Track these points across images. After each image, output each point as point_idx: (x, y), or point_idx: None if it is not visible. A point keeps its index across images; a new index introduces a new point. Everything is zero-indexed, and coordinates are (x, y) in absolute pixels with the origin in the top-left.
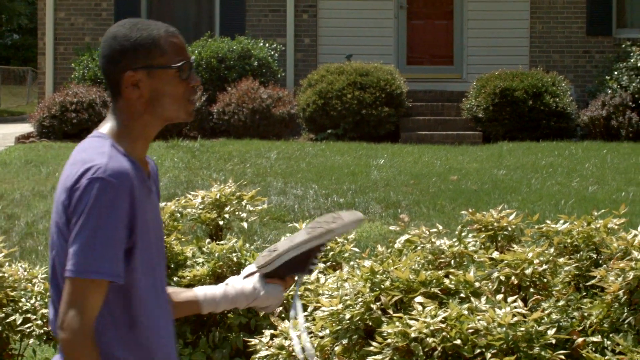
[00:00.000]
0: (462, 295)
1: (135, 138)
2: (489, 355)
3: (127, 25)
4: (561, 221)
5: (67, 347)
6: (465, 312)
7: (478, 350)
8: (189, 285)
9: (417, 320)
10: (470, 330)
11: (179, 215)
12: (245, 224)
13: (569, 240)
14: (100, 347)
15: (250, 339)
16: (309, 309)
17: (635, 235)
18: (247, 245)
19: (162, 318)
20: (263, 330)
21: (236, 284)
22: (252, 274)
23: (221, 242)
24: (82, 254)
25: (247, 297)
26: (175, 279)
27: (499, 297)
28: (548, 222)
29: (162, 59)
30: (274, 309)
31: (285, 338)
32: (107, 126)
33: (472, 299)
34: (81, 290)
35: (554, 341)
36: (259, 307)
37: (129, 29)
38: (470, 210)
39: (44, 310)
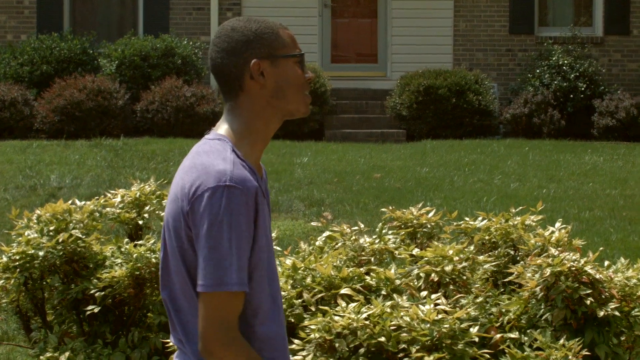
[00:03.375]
0: (384, 292)
1: (255, 139)
2: (413, 350)
3: (242, 19)
4: (480, 218)
5: (228, 358)
6: (389, 310)
7: (402, 346)
8: (109, 287)
9: (341, 316)
10: (393, 327)
11: (98, 214)
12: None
13: (487, 237)
14: None
15: (169, 340)
16: None
17: (553, 232)
18: None
19: (276, 328)
20: None
21: None
22: None
23: (139, 242)
24: (218, 266)
25: None
26: (94, 280)
27: (423, 294)
28: (467, 219)
29: (284, 48)
30: None
31: None
32: (225, 127)
33: (393, 295)
34: (220, 303)
35: (476, 339)
36: None
37: (246, 22)
38: (390, 208)
39: None
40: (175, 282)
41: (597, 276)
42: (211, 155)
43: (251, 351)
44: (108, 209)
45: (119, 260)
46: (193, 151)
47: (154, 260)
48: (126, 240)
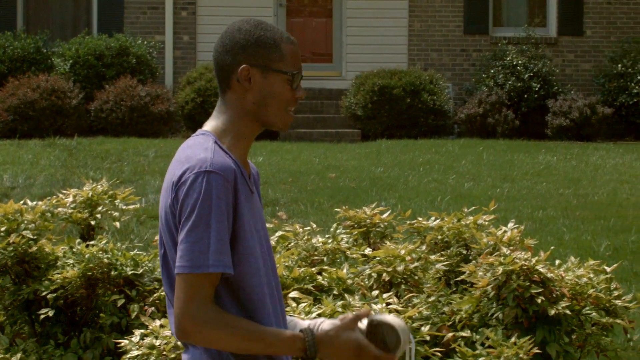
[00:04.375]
0: (335, 292)
1: (238, 137)
2: None
3: (252, 22)
4: (432, 218)
5: (206, 333)
6: (340, 309)
7: None
8: (61, 288)
9: (290, 316)
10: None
11: (49, 215)
12: (117, 224)
13: (440, 237)
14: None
15: (121, 340)
16: None
17: (505, 232)
18: (119, 244)
19: (273, 319)
20: (134, 330)
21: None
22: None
23: (91, 242)
24: (196, 248)
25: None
26: (45, 281)
27: (375, 293)
28: (420, 218)
29: (280, 63)
30: None
31: (156, 337)
32: (211, 124)
33: (345, 295)
34: (198, 284)
35: (428, 337)
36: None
37: (253, 26)
38: (344, 208)
39: None
40: (174, 275)
41: (548, 275)
42: (194, 147)
43: (235, 322)
44: (60, 209)
45: (70, 261)
46: (180, 148)
47: (105, 260)
48: (78, 240)
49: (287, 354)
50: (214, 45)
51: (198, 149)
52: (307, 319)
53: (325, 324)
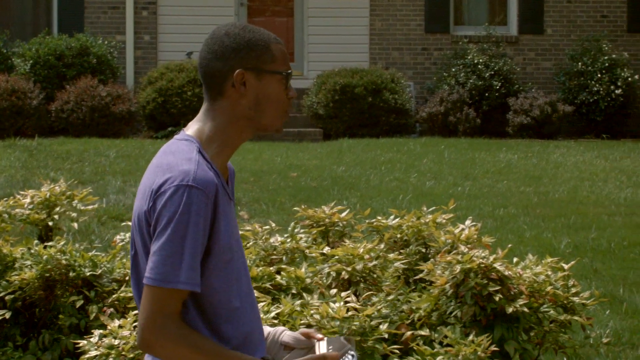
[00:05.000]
0: (294, 291)
1: (224, 145)
2: None
3: (239, 26)
4: (392, 216)
5: (168, 349)
6: (298, 309)
7: None
8: (19, 290)
9: None
10: (304, 326)
11: (7, 216)
12: (75, 225)
13: (399, 235)
14: None
15: (79, 341)
16: None
17: (463, 230)
18: (78, 245)
19: (247, 328)
20: (92, 331)
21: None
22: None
23: (49, 243)
24: (168, 263)
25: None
26: (3, 282)
27: (333, 292)
28: (379, 217)
29: (272, 64)
30: None
31: (115, 337)
32: (196, 128)
33: (304, 294)
34: (164, 298)
35: (386, 335)
36: None
37: (241, 30)
38: (303, 207)
39: None
40: (143, 279)
41: (506, 273)
42: (177, 155)
43: (199, 341)
44: (17, 210)
45: (28, 262)
46: (161, 150)
47: (64, 261)
48: (36, 241)
49: None
50: (200, 53)
51: (181, 158)
52: (267, 321)
53: (286, 335)
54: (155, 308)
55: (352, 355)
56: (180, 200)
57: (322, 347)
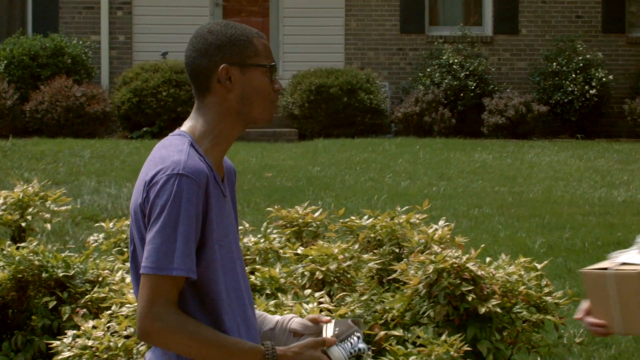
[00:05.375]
0: (268, 291)
1: (217, 140)
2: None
3: (220, 23)
4: (366, 216)
5: (165, 336)
6: (272, 309)
7: None
8: None
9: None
10: None
11: None
12: (49, 225)
13: (372, 235)
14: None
15: (53, 342)
16: (113, 308)
17: (436, 230)
18: (50, 246)
19: (239, 320)
20: (66, 331)
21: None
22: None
23: (22, 244)
24: (162, 250)
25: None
26: None
27: (307, 292)
28: (352, 217)
29: (255, 58)
30: None
31: (89, 338)
32: (189, 125)
33: (278, 294)
34: (162, 285)
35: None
36: None
37: (224, 26)
38: (276, 207)
39: None
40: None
41: (479, 272)
42: (169, 148)
43: (197, 328)
44: None
45: (1, 263)
46: (155, 146)
47: (36, 262)
48: (9, 242)
49: None
50: (186, 52)
51: (173, 150)
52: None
53: (295, 322)
54: (152, 296)
55: (358, 337)
56: (172, 189)
57: (329, 330)
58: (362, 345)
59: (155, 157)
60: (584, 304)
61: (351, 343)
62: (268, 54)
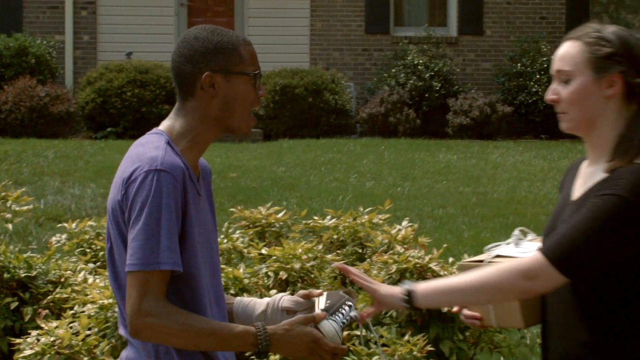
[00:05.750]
0: (232, 291)
1: (194, 142)
2: None
3: (207, 29)
4: (329, 217)
5: (157, 330)
6: None
7: None
8: None
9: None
10: None
11: None
12: (10, 226)
13: (335, 236)
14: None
15: (15, 340)
16: (76, 308)
17: (399, 230)
18: (12, 247)
19: (217, 318)
20: (29, 331)
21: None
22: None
23: None
24: (147, 246)
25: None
26: None
27: (272, 292)
28: (316, 217)
29: (240, 65)
30: None
31: (51, 336)
32: (167, 124)
33: (243, 295)
34: (149, 281)
35: None
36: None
37: (210, 33)
38: (239, 208)
39: None
40: (120, 271)
41: (441, 272)
42: (146, 145)
43: (188, 318)
44: None
45: None
46: (132, 144)
47: None
48: None
49: (239, 349)
50: (172, 56)
51: (149, 147)
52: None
53: (285, 300)
54: (141, 292)
55: (350, 306)
56: (151, 185)
57: (320, 303)
58: (353, 314)
59: (132, 155)
60: None
61: (342, 314)
62: (253, 61)
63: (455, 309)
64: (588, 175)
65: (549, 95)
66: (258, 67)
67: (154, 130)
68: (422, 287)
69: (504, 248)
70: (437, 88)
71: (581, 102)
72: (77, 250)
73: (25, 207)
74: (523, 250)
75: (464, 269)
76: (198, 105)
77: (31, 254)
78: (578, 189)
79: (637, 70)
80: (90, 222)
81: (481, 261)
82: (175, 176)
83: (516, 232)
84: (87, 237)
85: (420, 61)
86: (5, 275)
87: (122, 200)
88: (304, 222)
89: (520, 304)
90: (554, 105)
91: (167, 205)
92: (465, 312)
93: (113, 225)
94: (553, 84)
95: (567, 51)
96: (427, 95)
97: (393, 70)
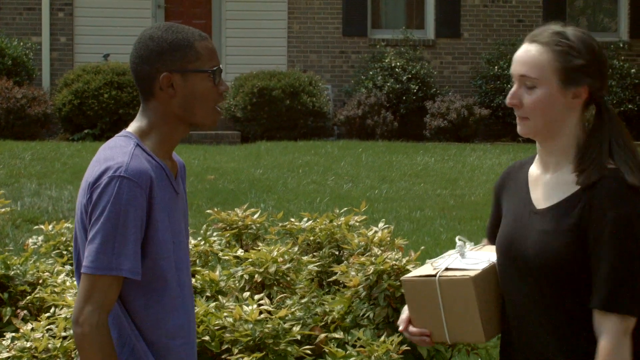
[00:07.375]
0: (208, 294)
1: (161, 140)
2: (236, 350)
3: (162, 28)
4: (305, 219)
5: (84, 341)
6: (213, 310)
7: (225, 346)
8: None
9: None
10: (217, 327)
11: None
12: None
13: (312, 238)
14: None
15: None
16: (52, 310)
17: (375, 232)
18: None
19: (185, 318)
20: (5, 333)
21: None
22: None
23: None
24: (101, 250)
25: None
26: None
27: (246, 294)
28: (292, 219)
29: (197, 62)
30: None
31: (27, 340)
32: (135, 126)
33: (219, 297)
34: (98, 286)
35: (299, 337)
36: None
37: (164, 31)
38: (215, 210)
39: None
40: None
41: None
42: (114, 149)
43: (106, 350)
44: None
45: None
46: (101, 147)
47: None
48: None
49: None
50: (130, 57)
51: (117, 151)
52: None
53: None
54: (86, 297)
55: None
56: (113, 191)
57: None
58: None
59: (100, 158)
60: (404, 314)
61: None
62: (211, 56)
63: (401, 327)
64: (552, 185)
65: (511, 100)
66: (217, 63)
67: (123, 132)
68: None
69: (451, 259)
70: (415, 91)
71: (545, 110)
72: (54, 252)
73: (2, 209)
74: (471, 262)
75: (410, 285)
76: (159, 105)
77: (9, 255)
78: (542, 198)
79: (602, 82)
80: (67, 224)
81: (429, 275)
82: (139, 183)
83: (459, 242)
84: (63, 239)
85: (398, 64)
86: None
87: (87, 204)
88: (280, 224)
89: (480, 314)
90: (514, 108)
91: (126, 213)
92: (411, 329)
93: (80, 228)
94: (515, 87)
95: (534, 57)
96: (404, 97)
97: (370, 73)
